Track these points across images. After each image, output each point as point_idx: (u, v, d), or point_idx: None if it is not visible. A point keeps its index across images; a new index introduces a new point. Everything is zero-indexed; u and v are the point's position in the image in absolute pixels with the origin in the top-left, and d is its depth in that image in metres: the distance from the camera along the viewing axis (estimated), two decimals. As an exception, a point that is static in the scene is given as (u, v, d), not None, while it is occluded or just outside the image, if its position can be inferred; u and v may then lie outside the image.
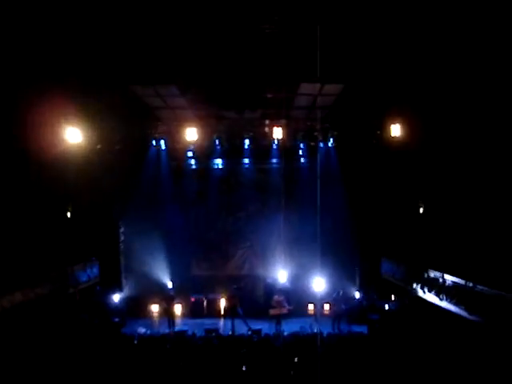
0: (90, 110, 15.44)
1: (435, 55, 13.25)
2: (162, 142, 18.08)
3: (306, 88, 15.17)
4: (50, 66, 12.88)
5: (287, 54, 13.36)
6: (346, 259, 18.48)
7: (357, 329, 15.45)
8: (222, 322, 16.96)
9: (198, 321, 16.96)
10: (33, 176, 14.95)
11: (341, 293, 16.60)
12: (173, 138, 17.75)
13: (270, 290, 17.91)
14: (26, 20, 11.35)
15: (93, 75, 13.65)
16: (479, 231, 14.18)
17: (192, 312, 17.95)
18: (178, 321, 16.72)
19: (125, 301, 17.50)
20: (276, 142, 18.08)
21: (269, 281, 18.42)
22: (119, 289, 17.92)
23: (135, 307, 17.64)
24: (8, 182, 14.18)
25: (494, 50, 12.14)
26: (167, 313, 16.55)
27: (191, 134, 17.01)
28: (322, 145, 18.46)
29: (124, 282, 18.33)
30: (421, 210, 17.37)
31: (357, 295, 17.74)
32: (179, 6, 11.38)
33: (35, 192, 15.09)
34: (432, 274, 14.63)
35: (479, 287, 12.14)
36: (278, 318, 16.01)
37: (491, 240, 13.61)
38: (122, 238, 18.54)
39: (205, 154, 18.54)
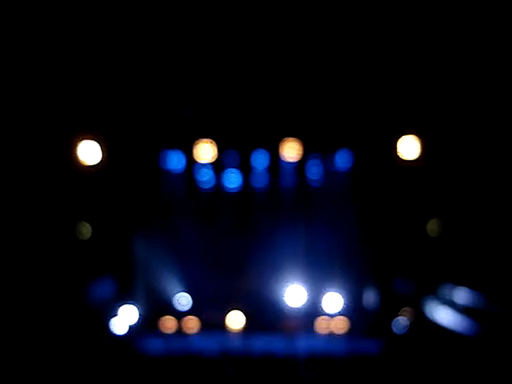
0: (105, 126, 15.63)
1: (450, 72, 13.30)
2: (176, 158, 18.21)
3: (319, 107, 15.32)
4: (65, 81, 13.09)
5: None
6: (358, 277, 18.40)
7: (368, 347, 15.37)
8: (234, 337, 16.93)
9: (211, 336, 16.97)
10: (46, 191, 15.09)
11: (349, 311, 16.58)
12: (186, 154, 17.86)
13: (282, 306, 17.89)
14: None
15: (107, 94, 13.87)
16: (494, 248, 14.08)
17: (204, 327, 17.94)
18: (190, 336, 16.75)
19: (138, 315, 17.54)
20: (288, 159, 18.14)
21: (281, 297, 18.38)
22: (132, 304, 17.97)
23: (148, 322, 17.68)
24: (21, 197, 14.33)
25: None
26: (179, 328, 16.59)
27: (204, 150, 17.11)
28: (334, 162, 18.50)
29: (137, 297, 18.37)
30: (435, 228, 17.28)
31: (369, 312, 17.68)
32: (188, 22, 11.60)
33: (47, 207, 15.22)
34: (445, 291, 14.53)
35: (493, 304, 12.04)
36: (290, 335, 15.97)
37: (505, 257, 13.50)
38: (136, 253, 18.62)
39: (217, 171, 18.62)
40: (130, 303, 17.59)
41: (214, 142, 16.86)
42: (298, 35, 12.71)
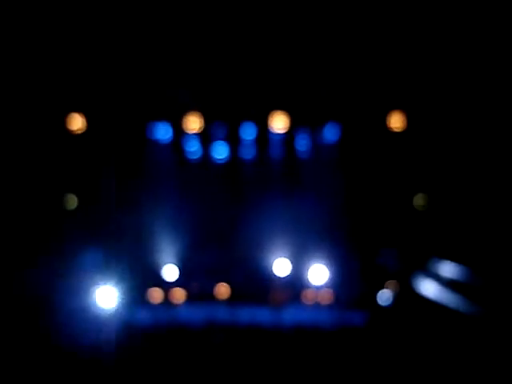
0: (92, 97, 15.46)
1: (438, 47, 13.26)
2: (163, 130, 18.11)
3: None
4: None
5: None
6: (344, 249, 18.50)
7: (354, 319, 15.53)
8: (221, 308, 17.00)
9: (198, 307, 17.00)
10: (31, 165, 14.99)
11: (334, 283, 16.71)
12: (174, 125, 17.72)
13: (269, 278, 17.98)
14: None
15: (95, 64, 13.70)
16: (480, 221, 14.19)
17: (191, 299, 17.99)
18: (176, 307, 16.79)
19: (126, 289, 17.55)
20: (277, 131, 18.11)
21: (268, 269, 18.45)
22: (118, 275, 17.97)
23: (135, 293, 17.69)
24: (7, 172, 14.21)
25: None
26: (166, 299, 16.62)
27: (191, 122, 16.98)
28: (323, 135, 18.49)
29: (123, 268, 18.37)
30: (422, 201, 17.36)
31: (355, 284, 17.82)
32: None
33: (33, 182, 15.12)
34: (431, 264, 14.64)
35: (479, 279, 12.16)
36: (277, 307, 16.08)
37: (492, 231, 13.61)
38: (123, 224, 18.55)
39: (205, 143, 18.54)
40: (116, 274, 17.63)
41: (201, 113, 16.73)
42: (287, 11, 12.59)
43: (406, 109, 16.06)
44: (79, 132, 15.56)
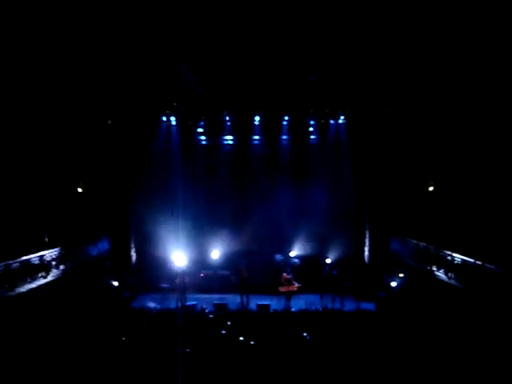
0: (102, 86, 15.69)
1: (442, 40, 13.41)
2: (173, 118, 18.18)
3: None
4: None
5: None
6: (355, 236, 18.55)
7: (365, 306, 15.53)
8: (231, 297, 17.02)
9: (208, 296, 17.09)
10: (44, 152, 15.19)
11: (336, 272, 16.84)
12: (183, 113, 17.79)
13: (280, 266, 18.02)
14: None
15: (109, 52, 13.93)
16: (489, 210, 14.15)
17: (201, 287, 18.07)
18: (187, 296, 16.80)
19: (135, 275, 17.65)
20: (286, 118, 18.16)
21: (278, 257, 18.47)
22: (129, 263, 18.08)
23: (145, 282, 17.80)
24: (21, 157, 14.40)
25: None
26: (177, 288, 16.68)
27: (202, 110, 17.17)
28: (332, 122, 18.48)
29: (134, 256, 18.47)
30: (430, 189, 17.32)
31: (365, 272, 17.86)
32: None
33: (46, 168, 15.31)
34: (441, 252, 14.61)
35: (488, 266, 12.13)
36: (288, 295, 16.11)
37: (501, 219, 13.57)
38: (133, 213, 18.62)
39: (215, 129, 18.59)
40: (126, 262, 17.80)
41: (213, 101, 16.92)
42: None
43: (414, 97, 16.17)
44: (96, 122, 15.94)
